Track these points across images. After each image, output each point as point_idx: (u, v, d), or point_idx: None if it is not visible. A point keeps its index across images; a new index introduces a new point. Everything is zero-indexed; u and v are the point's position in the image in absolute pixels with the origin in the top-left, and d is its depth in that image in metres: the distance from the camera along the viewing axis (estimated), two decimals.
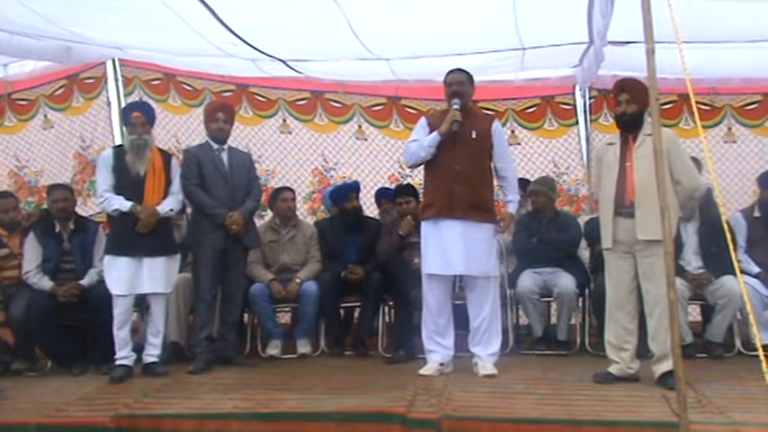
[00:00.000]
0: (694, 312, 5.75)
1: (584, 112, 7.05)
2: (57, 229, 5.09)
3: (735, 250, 4.74)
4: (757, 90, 6.70)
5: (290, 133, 7.24)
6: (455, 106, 4.56)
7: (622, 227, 4.20)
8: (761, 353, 2.98)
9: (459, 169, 4.53)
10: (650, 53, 3.07)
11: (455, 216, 4.52)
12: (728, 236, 3.38)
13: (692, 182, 4.21)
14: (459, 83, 4.62)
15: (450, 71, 4.69)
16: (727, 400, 3.73)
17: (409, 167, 5.38)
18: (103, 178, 4.76)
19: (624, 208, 4.20)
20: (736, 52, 5.48)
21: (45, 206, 5.54)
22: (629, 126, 4.26)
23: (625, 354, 4.28)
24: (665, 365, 4.05)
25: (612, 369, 4.29)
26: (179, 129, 6.93)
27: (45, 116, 7.03)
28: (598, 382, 4.23)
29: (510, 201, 4.71)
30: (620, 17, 4.44)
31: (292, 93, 7.21)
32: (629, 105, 4.22)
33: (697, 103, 6.53)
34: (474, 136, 4.56)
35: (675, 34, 2.88)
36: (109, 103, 6.82)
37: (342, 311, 5.81)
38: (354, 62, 6.14)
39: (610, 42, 5.13)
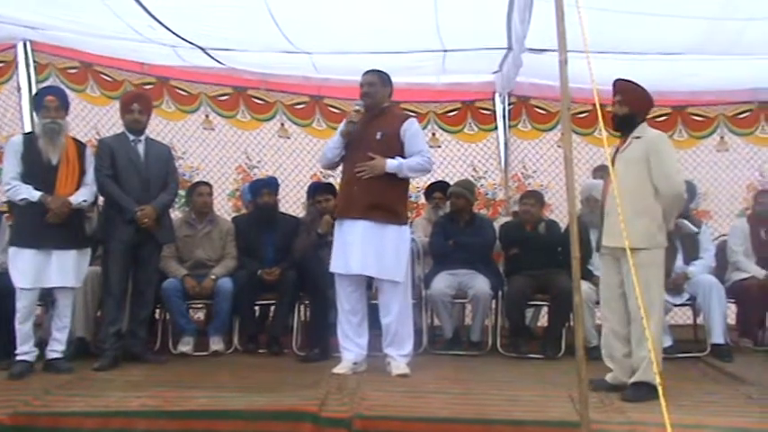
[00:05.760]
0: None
1: (504, 117, 7.23)
2: None
3: None
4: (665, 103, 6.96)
5: (212, 129, 7.18)
6: (355, 108, 4.62)
7: (603, 231, 4.14)
8: (656, 356, 3.07)
9: (359, 170, 4.56)
10: (563, 63, 3.14)
11: (352, 216, 4.55)
12: None
13: (671, 189, 3.96)
14: (368, 84, 4.65)
15: (364, 72, 4.70)
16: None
17: (323, 168, 5.39)
18: (11, 165, 4.57)
19: (603, 213, 4.15)
20: (648, 64, 5.68)
21: None
22: (620, 128, 4.16)
23: (617, 361, 4.10)
24: (635, 375, 3.95)
25: (608, 376, 4.13)
26: (99, 120, 6.74)
27: None
28: (593, 390, 3.79)
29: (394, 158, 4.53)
30: (539, 25, 4.55)
31: (214, 88, 7.16)
32: (620, 107, 4.12)
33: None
34: (379, 137, 4.56)
35: (584, 44, 2.96)
36: (19, 89, 6.56)
37: (257, 309, 5.75)
38: (276, 54, 6.11)
39: (528, 49, 5.25)
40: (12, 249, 4.53)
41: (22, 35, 6.29)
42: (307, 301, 5.53)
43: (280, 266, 5.50)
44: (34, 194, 4.50)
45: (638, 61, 5.64)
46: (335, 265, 4.63)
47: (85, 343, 5.14)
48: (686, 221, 5.22)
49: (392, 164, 4.52)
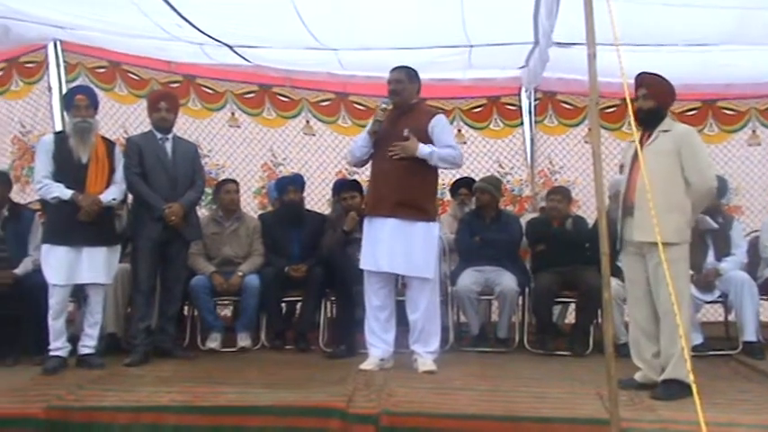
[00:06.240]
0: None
1: (530, 113, 7.19)
2: None
3: None
4: (695, 96, 6.85)
5: (238, 127, 7.21)
6: (381, 106, 4.61)
7: (627, 227, 4.05)
8: (687, 353, 3.04)
9: (387, 167, 4.55)
10: (592, 57, 3.11)
11: (381, 214, 4.55)
12: None
13: (705, 184, 3.96)
14: (395, 81, 4.63)
15: (392, 69, 4.69)
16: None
17: (351, 166, 5.38)
18: (43, 164, 4.64)
19: (628, 207, 4.05)
20: (677, 56, 5.61)
21: None
22: (645, 122, 4.08)
23: (646, 361, 4.06)
24: (665, 373, 3.91)
25: (637, 375, 4.08)
26: (126, 119, 6.80)
27: None
28: (621, 389, 3.56)
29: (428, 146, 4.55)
30: (566, 19, 4.51)
31: (240, 85, 7.18)
32: (645, 101, 4.04)
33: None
34: (406, 134, 4.55)
35: (614, 37, 2.92)
36: (50, 89, 6.64)
37: (283, 306, 5.78)
38: (302, 51, 6.12)
39: (555, 43, 5.21)
40: (44, 247, 4.60)
41: (52, 35, 6.35)
42: (333, 298, 5.55)
43: (306, 263, 5.52)
44: (66, 193, 4.57)
45: (667, 53, 5.57)
46: (365, 263, 4.64)
47: (116, 339, 5.21)
48: (707, 217, 5.16)
49: (424, 149, 4.51)
